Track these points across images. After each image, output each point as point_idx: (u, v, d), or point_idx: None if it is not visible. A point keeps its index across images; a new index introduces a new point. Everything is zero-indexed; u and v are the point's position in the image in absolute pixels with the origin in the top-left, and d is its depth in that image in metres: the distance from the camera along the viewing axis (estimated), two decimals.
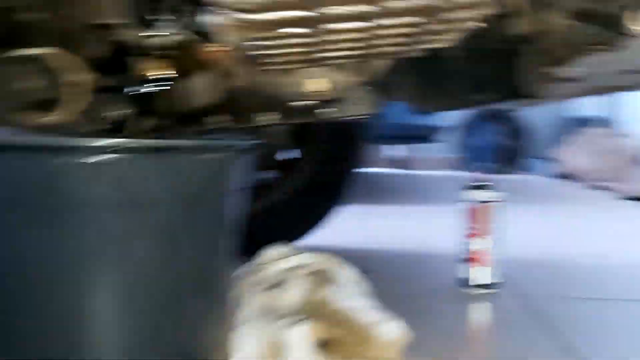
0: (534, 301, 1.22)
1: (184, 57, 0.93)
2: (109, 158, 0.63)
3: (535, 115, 4.59)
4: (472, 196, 1.30)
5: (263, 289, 0.92)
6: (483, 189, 1.31)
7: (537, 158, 4.40)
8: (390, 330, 0.84)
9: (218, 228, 0.79)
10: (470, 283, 1.29)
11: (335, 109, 0.88)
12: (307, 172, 1.63)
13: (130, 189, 0.66)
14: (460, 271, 1.31)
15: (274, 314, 0.87)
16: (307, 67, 0.72)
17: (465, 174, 4.32)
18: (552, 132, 4.68)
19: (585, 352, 0.95)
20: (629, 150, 3.56)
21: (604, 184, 3.32)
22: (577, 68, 0.76)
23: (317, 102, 0.85)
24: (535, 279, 1.40)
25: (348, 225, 1.95)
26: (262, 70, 0.75)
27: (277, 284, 0.92)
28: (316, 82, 0.73)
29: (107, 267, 0.67)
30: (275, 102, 0.86)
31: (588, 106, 4.28)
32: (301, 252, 1.00)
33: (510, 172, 4.25)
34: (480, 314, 1.21)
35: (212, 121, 1.01)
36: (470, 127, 4.80)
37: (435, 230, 2.10)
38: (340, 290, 0.90)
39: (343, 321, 0.84)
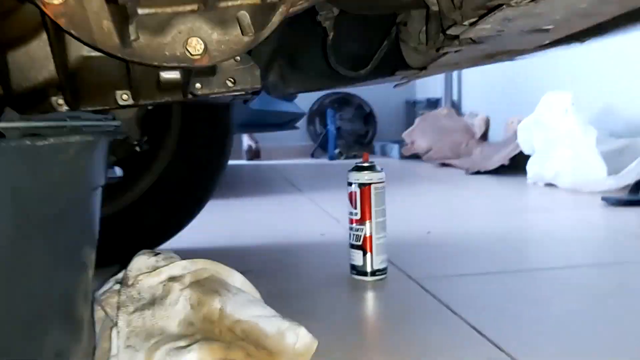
0: (423, 282, 1.18)
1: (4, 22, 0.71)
2: None
3: (383, 99, 4.76)
4: (353, 179, 1.23)
5: (136, 309, 0.74)
6: (364, 170, 1.23)
7: (387, 141, 4.55)
8: (299, 338, 0.71)
9: (75, 237, 0.61)
10: (358, 270, 1.21)
11: (212, 84, 0.72)
12: (162, 165, 1.44)
13: None
14: (348, 258, 1.23)
15: (155, 339, 0.70)
16: (186, 18, 0.55)
17: (322, 161, 4.35)
18: (400, 115, 4.89)
19: (489, 331, 0.91)
20: (469, 127, 3.80)
21: (449, 161, 3.51)
22: (478, 31, 0.69)
23: (191, 72, 0.68)
24: (416, 260, 1.37)
25: (211, 221, 1.78)
26: (118, 25, 0.56)
27: (153, 301, 0.75)
28: (194, 42, 0.56)
29: None
30: (135, 75, 0.68)
31: (433, 88, 4.54)
32: (175, 259, 0.84)
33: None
34: (372, 302, 1.14)
35: (46, 105, 0.79)
36: (320, 114, 4.83)
37: (307, 219, 2.02)
38: (232, 299, 0.75)
39: (244, 335, 0.70)
